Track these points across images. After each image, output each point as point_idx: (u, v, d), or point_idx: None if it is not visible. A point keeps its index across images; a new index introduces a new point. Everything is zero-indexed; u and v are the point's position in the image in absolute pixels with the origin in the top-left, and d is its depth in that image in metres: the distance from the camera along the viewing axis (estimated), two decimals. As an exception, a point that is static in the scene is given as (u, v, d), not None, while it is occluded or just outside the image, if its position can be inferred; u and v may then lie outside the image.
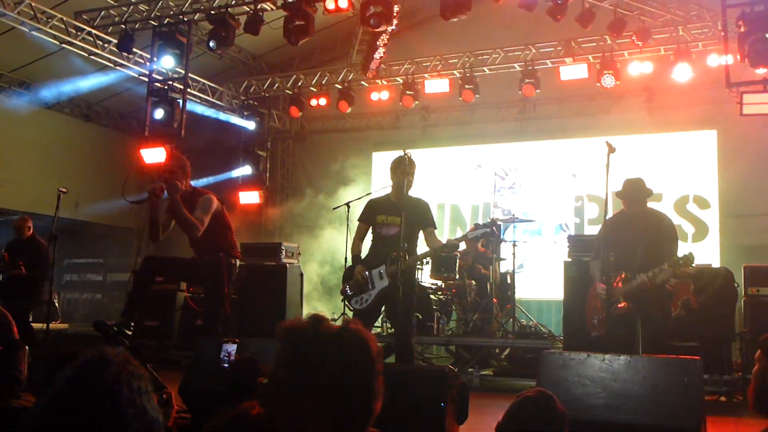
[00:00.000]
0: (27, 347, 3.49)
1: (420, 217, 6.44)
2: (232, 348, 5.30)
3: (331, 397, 1.74)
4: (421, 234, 6.51)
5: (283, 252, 10.42)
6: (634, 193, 6.25)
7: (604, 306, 6.06)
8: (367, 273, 6.40)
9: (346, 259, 9.92)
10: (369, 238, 6.72)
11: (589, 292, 6.56)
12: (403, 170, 6.39)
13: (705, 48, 11.09)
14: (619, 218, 6.41)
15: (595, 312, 6.34)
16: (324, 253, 13.12)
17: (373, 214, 6.60)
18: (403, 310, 6.12)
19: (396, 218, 6.37)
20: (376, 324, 9.80)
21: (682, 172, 12.24)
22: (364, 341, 1.82)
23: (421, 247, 6.53)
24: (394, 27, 10.47)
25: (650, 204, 6.48)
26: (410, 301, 6.23)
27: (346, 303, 6.63)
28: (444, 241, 6.48)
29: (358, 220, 6.74)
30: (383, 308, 6.63)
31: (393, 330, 6.61)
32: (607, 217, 6.10)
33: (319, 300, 13.26)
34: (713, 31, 10.91)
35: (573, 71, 11.68)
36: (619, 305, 6.05)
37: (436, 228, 6.55)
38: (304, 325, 1.81)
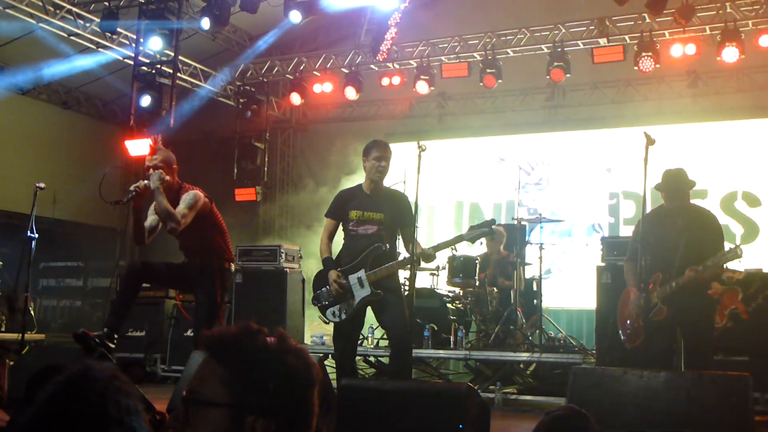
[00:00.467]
0: (8, 361, 3.53)
1: (404, 213, 6.16)
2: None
3: (269, 417, 1.74)
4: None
5: (283, 255, 10.45)
6: (675, 184, 6.22)
7: (640, 313, 6.05)
8: (345, 280, 6.09)
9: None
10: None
11: (621, 298, 6.55)
12: (378, 156, 6.11)
13: (756, 27, 11.02)
14: (658, 214, 6.39)
15: (629, 320, 6.33)
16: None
17: (344, 208, 6.24)
18: (402, 320, 5.92)
19: (374, 214, 6.12)
20: (386, 338, 9.85)
21: (730, 166, 12.18)
22: (304, 355, 1.84)
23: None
24: (406, 3, 10.49)
25: (694, 201, 6.46)
26: (403, 310, 5.97)
27: (320, 315, 6.30)
28: (431, 246, 6.13)
29: (326, 216, 6.35)
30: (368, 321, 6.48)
31: (389, 343, 6.27)
32: (645, 214, 6.08)
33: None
34: (765, 8, 10.86)
35: (607, 53, 11.66)
36: (658, 312, 6.02)
37: (416, 227, 6.26)
38: (238, 336, 1.81)
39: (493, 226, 6.34)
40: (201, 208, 6.46)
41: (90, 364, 1.60)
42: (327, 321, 6.21)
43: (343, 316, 6.06)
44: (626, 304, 6.40)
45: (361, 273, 6.03)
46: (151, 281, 7.23)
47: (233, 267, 6.92)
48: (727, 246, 6.07)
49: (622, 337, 6.43)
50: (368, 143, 6.27)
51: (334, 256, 6.22)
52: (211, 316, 6.47)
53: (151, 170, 6.37)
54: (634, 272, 6.23)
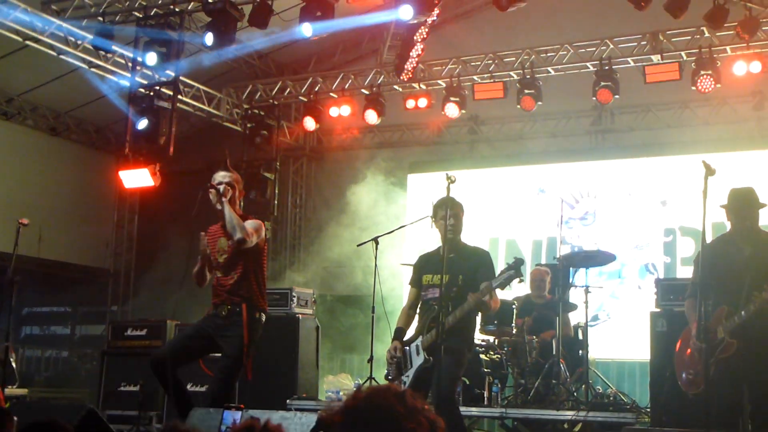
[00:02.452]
0: (16, 417, 3.60)
1: (482, 273, 6.46)
2: (237, 416, 5.28)
3: None
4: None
5: (295, 299, 10.44)
6: (742, 203, 6.21)
7: (703, 353, 5.96)
8: (406, 349, 6.50)
9: (373, 308, 9.97)
10: None
11: (682, 336, 6.52)
12: (443, 214, 6.43)
13: (830, 41, 11.02)
14: (721, 242, 6.37)
15: (689, 364, 6.27)
16: (347, 299, 13.18)
17: (419, 274, 6.74)
18: (440, 387, 6.03)
19: (440, 277, 6.35)
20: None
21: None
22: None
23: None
24: (435, 18, 10.55)
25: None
26: (448, 375, 6.14)
27: None
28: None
29: (409, 284, 6.93)
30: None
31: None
32: (704, 243, 6.04)
33: (339, 360, 13.27)
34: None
35: (661, 72, 11.65)
36: (726, 347, 5.94)
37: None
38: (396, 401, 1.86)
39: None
40: (261, 240, 6.67)
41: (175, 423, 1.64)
42: None
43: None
44: (687, 343, 6.36)
45: (419, 340, 6.43)
46: (182, 360, 7.00)
47: (264, 317, 6.94)
48: None
49: (681, 382, 6.37)
50: (436, 203, 6.62)
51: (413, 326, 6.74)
52: (231, 372, 6.54)
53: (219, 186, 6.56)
54: (696, 308, 6.17)
